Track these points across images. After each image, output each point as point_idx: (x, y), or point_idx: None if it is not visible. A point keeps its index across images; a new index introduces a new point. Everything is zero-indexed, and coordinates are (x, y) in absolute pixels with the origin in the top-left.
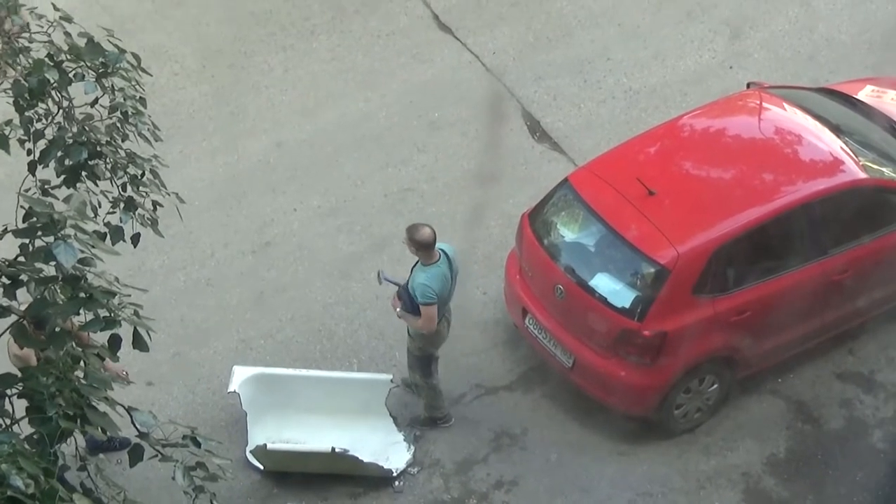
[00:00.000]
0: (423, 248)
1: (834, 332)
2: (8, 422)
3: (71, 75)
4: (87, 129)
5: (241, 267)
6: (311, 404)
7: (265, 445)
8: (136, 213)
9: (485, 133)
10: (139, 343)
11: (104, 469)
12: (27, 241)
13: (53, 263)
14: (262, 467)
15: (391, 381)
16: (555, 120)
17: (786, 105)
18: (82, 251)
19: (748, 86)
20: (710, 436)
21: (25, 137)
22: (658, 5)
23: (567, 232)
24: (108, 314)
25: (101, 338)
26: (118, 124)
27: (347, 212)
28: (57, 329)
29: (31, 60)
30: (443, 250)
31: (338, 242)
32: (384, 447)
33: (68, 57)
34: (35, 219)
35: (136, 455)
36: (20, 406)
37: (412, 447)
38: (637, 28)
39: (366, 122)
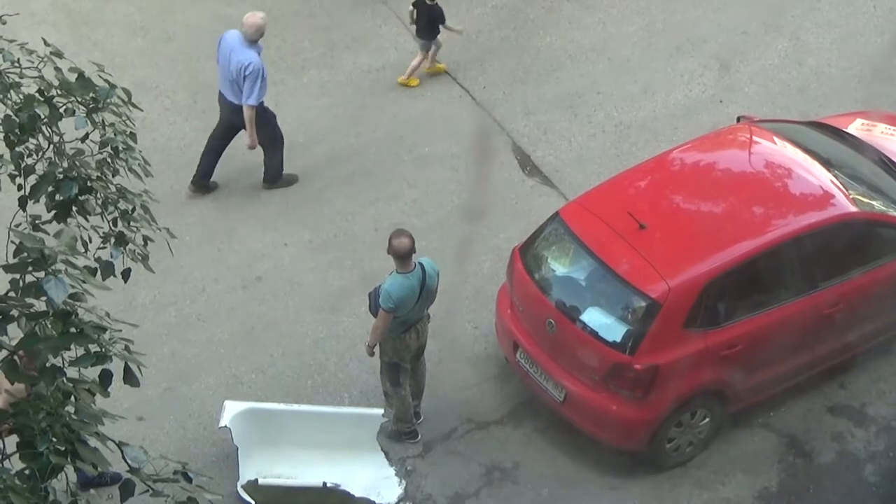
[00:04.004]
0: (396, 256)
1: (825, 365)
2: None
3: (61, 110)
4: (77, 164)
5: (231, 302)
6: (303, 439)
7: (256, 480)
8: (127, 248)
9: (475, 168)
10: (130, 378)
11: None
12: (18, 276)
13: (44, 298)
14: (253, 502)
15: (382, 415)
16: (545, 154)
17: (776, 139)
18: (73, 286)
19: (738, 119)
20: (701, 469)
21: (16, 173)
22: (647, 40)
23: (558, 266)
24: (98, 349)
25: (91, 373)
26: (109, 159)
27: (338, 247)
28: (47, 364)
29: (21, 96)
30: (421, 264)
31: (328, 277)
32: (375, 482)
33: (59, 92)
34: (26, 254)
35: (127, 490)
36: (11, 442)
37: (403, 482)
38: (627, 62)
39: (356, 156)
